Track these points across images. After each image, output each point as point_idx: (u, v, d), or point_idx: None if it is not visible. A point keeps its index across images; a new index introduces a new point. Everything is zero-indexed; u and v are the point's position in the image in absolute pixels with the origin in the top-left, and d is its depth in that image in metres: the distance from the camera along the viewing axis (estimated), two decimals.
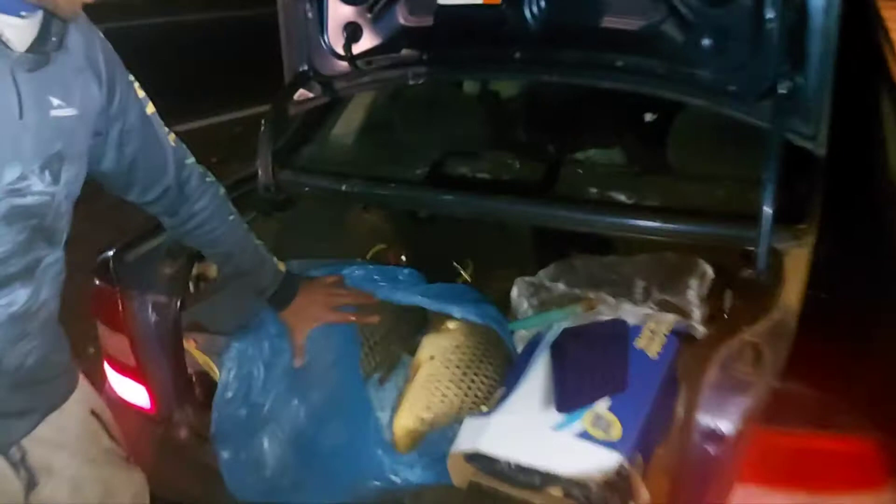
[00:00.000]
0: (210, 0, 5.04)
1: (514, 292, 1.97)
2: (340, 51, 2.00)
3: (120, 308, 1.76)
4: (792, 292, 1.38)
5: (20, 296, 1.25)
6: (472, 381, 1.73)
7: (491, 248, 2.23)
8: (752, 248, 1.49)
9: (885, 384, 1.22)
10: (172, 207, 1.54)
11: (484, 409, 1.63)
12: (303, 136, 2.26)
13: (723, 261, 1.85)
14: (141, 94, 1.41)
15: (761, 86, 1.60)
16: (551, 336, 1.73)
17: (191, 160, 1.55)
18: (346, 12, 1.99)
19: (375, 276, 1.86)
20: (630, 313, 1.78)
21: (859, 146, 1.71)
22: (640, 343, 1.66)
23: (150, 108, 1.43)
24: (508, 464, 1.48)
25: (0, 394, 1.30)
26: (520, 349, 1.82)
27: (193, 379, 1.83)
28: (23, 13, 1.13)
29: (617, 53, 1.77)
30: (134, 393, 1.82)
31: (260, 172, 1.99)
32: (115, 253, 1.79)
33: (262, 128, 1.99)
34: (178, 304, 1.78)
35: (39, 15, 1.16)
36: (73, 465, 1.46)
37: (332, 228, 2.27)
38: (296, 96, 2.08)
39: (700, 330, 1.74)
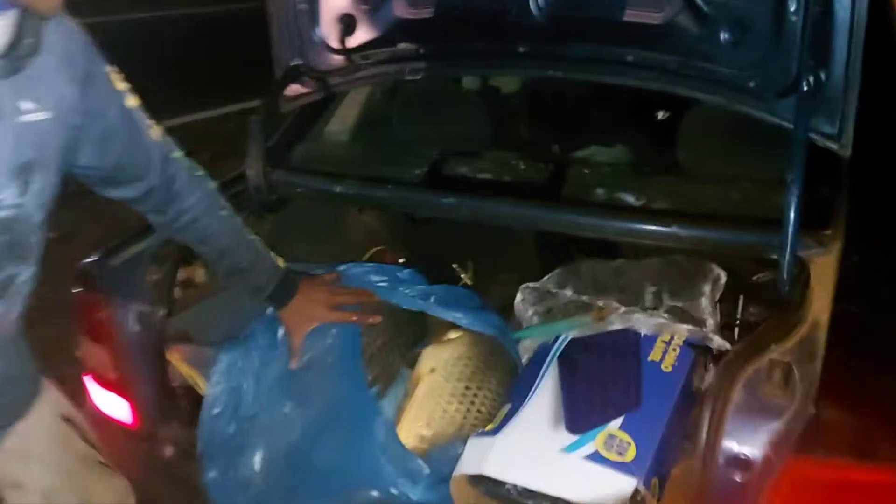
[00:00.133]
0: None
1: (519, 298, 1.89)
2: (334, 44, 1.93)
3: (102, 317, 1.69)
4: (820, 305, 1.30)
5: None
6: (476, 395, 1.64)
7: (492, 250, 2.18)
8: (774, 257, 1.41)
9: None
10: (160, 204, 1.48)
11: (489, 426, 1.55)
12: (295, 134, 2.19)
13: (735, 265, 1.77)
14: (121, 85, 1.33)
15: (783, 82, 1.52)
16: (559, 347, 1.65)
17: (178, 154, 1.47)
18: (341, 3, 1.91)
19: (374, 276, 1.79)
20: (642, 323, 1.69)
21: (886, 146, 1.63)
22: (653, 355, 1.57)
23: (132, 101, 1.35)
24: (515, 488, 1.40)
25: None
26: (524, 359, 1.74)
27: (179, 393, 1.75)
28: None
29: (628, 48, 1.69)
30: (116, 407, 1.75)
31: (250, 172, 1.92)
32: (97, 259, 1.71)
33: (252, 125, 1.92)
34: (165, 312, 1.72)
35: (13, 14, 1.08)
36: (44, 476, 1.42)
37: (326, 229, 2.23)
38: (288, 92, 2.01)
39: (716, 341, 1.65)
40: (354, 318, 1.70)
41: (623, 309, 1.75)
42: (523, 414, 1.50)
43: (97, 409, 1.78)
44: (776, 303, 1.42)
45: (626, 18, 1.68)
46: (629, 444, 1.39)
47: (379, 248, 2.21)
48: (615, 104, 2.33)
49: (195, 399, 1.69)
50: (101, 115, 1.29)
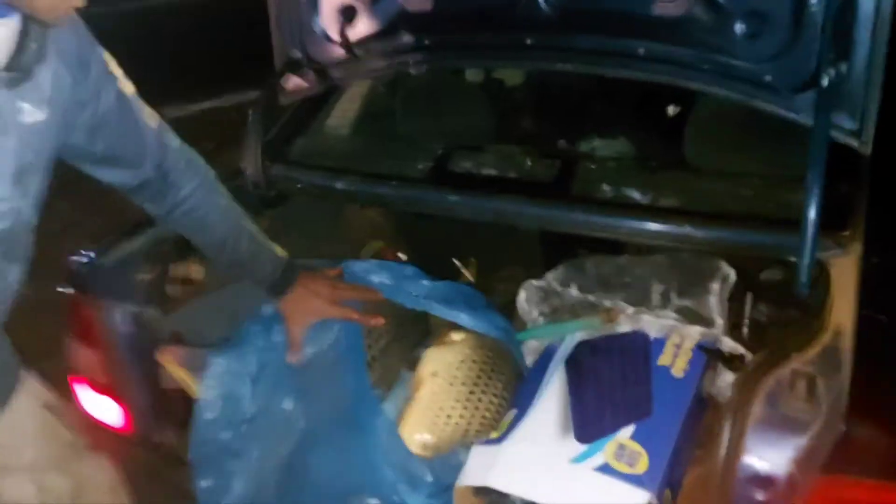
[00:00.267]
0: None
1: (522, 297, 1.83)
2: (335, 36, 1.88)
3: (92, 319, 1.65)
4: (841, 311, 1.24)
5: None
6: (480, 400, 1.58)
7: (494, 245, 2.13)
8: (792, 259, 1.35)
9: None
10: (157, 193, 1.45)
11: (493, 434, 1.49)
12: (295, 127, 2.14)
13: (741, 260, 1.72)
14: (117, 71, 1.31)
15: (802, 77, 1.48)
16: (565, 350, 1.60)
17: (175, 143, 1.45)
18: None
19: (376, 273, 1.73)
20: (651, 325, 1.64)
21: None
22: (662, 359, 1.52)
23: (129, 88, 1.33)
24: (521, 501, 1.36)
25: None
26: (528, 360, 1.69)
27: (173, 396, 1.70)
28: None
29: (638, 40, 1.65)
30: (108, 411, 1.71)
31: (248, 167, 1.88)
32: (88, 259, 1.67)
33: (251, 118, 1.88)
34: (158, 313, 1.68)
35: (16, 20, 1.05)
36: (35, 463, 1.41)
37: (325, 224, 2.18)
38: (287, 85, 1.97)
39: (728, 344, 1.59)
40: (356, 317, 1.64)
41: (631, 310, 1.70)
42: (529, 421, 1.45)
43: (88, 413, 1.74)
44: (786, 301, 1.37)
45: (636, 9, 1.64)
46: (640, 454, 1.33)
47: (379, 243, 2.16)
48: (621, 97, 2.28)
49: (190, 402, 1.63)
50: (94, 100, 1.26)
